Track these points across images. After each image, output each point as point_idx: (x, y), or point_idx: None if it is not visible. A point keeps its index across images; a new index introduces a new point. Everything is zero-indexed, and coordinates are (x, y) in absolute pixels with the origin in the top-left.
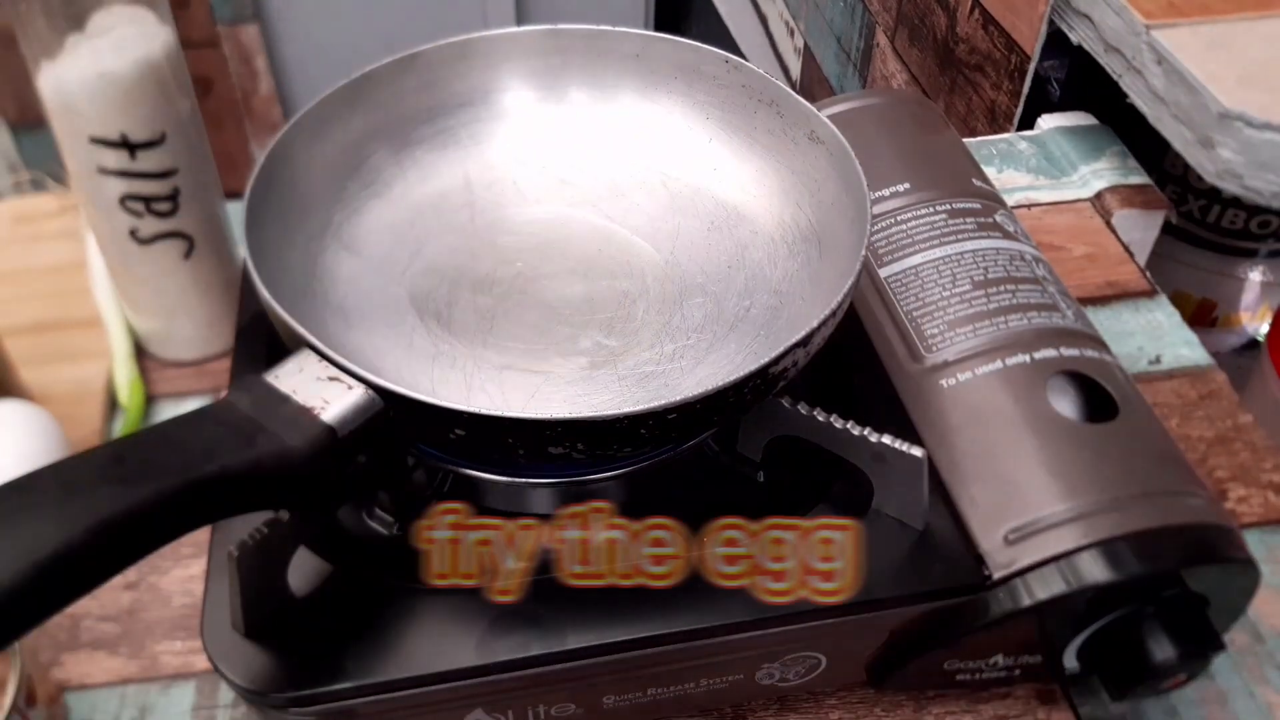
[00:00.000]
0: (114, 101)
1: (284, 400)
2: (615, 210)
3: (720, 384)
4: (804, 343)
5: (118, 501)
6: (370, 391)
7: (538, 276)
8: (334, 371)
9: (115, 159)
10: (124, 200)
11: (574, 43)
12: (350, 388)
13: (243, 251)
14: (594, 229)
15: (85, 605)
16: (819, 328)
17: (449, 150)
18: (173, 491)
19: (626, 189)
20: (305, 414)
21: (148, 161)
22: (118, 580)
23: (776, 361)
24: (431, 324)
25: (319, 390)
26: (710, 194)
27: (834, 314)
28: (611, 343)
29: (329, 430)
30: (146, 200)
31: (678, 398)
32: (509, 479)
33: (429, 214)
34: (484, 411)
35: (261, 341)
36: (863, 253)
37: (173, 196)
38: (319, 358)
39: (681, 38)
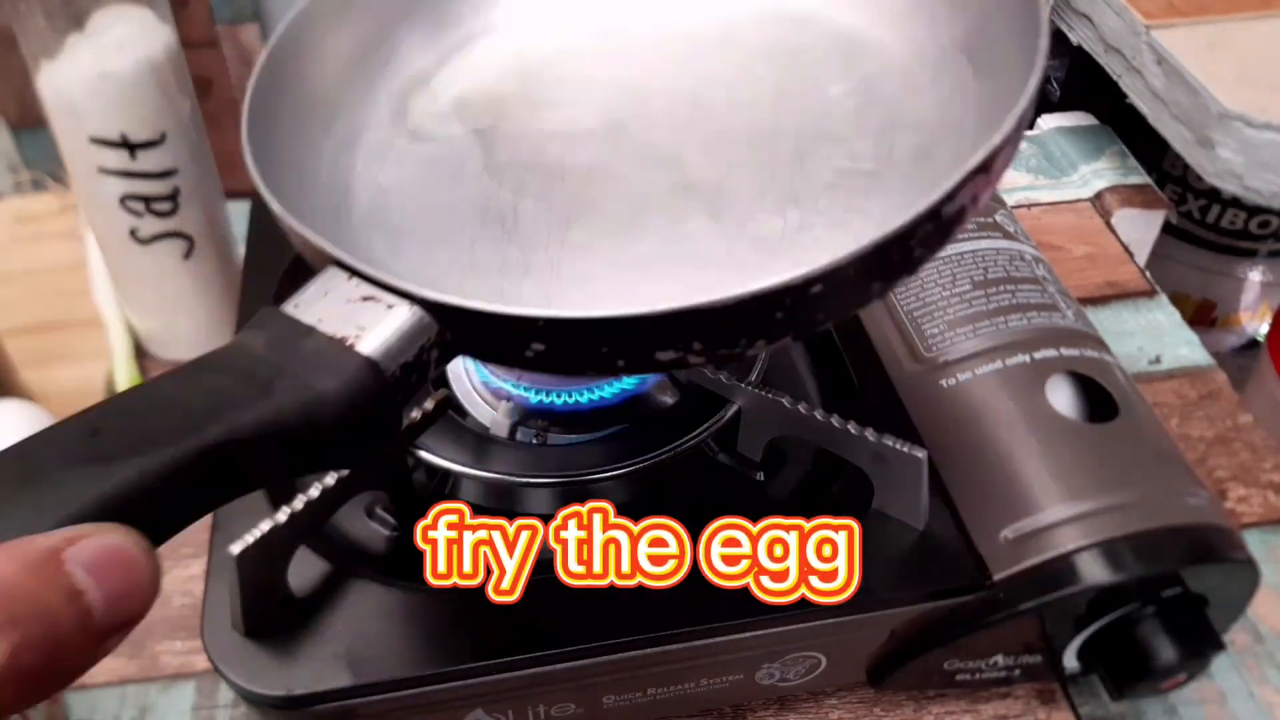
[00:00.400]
0: (114, 101)
1: (308, 333)
2: (700, 70)
3: (875, 238)
4: (984, 167)
5: (91, 487)
6: (418, 308)
7: (616, 162)
8: (369, 289)
9: (115, 159)
10: (124, 200)
11: None
12: (391, 306)
13: (252, 174)
14: (676, 96)
15: None
16: (1002, 145)
17: (493, 34)
18: (166, 469)
19: (709, 43)
20: (336, 346)
21: (147, 161)
22: None
23: (951, 196)
24: (495, 231)
25: (352, 314)
26: (817, 24)
27: (1016, 129)
28: (721, 225)
29: (369, 364)
30: (146, 200)
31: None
32: (509, 478)
33: (477, 109)
34: (567, 314)
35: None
36: (1043, 44)
37: (173, 196)
38: (349, 274)
39: None
